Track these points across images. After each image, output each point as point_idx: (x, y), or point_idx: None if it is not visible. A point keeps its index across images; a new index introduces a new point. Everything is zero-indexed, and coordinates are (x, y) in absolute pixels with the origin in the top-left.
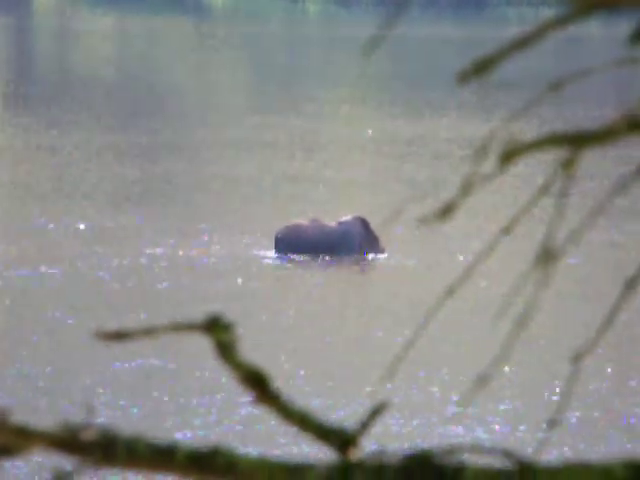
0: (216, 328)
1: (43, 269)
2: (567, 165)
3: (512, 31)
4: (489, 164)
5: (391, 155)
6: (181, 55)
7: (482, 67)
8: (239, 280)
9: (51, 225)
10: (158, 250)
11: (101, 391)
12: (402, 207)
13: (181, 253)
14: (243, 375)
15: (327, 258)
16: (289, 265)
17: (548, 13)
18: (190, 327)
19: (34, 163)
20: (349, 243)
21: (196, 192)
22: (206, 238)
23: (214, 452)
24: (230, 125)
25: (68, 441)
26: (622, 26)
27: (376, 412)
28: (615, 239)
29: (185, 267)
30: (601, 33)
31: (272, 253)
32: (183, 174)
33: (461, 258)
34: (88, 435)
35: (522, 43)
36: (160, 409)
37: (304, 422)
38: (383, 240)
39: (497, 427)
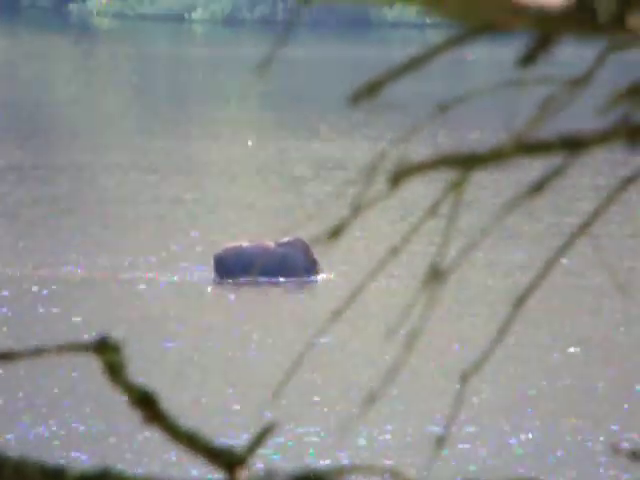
0: (105, 349)
1: None
2: (457, 186)
3: (397, 52)
4: (379, 185)
5: (280, 176)
6: (66, 75)
7: (374, 88)
8: (175, 304)
9: None
10: (79, 270)
11: None
12: (300, 226)
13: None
14: (132, 396)
15: (267, 280)
16: (227, 287)
17: (434, 35)
18: (78, 348)
19: None
20: (291, 265)
21: (97, 215)
22: (129, 261)
23: (103, 474)
24: (116, 147)
25: None
26: (504, 50)
27: (265, 432)
28: (501, 261)
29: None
30: (484, 56)
31: (210, 276)
32: (76, 196)
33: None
34: None
35: (413, 64)
36: (52, 432)
37: (192, 442)
38: (320, 261)
39: (387, 446)
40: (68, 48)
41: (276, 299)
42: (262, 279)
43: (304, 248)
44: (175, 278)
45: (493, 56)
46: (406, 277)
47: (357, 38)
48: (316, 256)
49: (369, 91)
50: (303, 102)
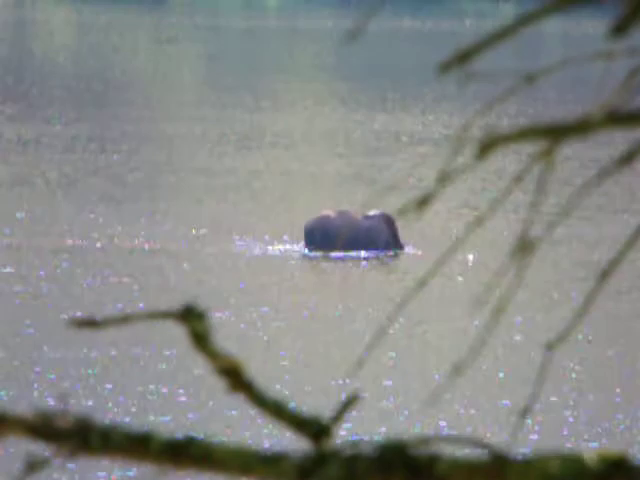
0: (191, 317)
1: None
2: (545, 156)
3: (470, 25)
4: (466, 155)
5: (360, 148)
6: (139, 47)
7: (465, 57)
8: (266, 274)
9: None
10: (180, 244)
11: (79, 379)
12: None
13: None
14: (218, 364)
15: (353, 253)
16: (315, 260)
17: (507, 8)
18: (165, 316)
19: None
20: (375, 239)
21: (179, 186)
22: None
23: (189, 442)
24: (188, 118)
25: (43, 428)
26: (573, 24)
27: (350, 402)
28: (586, 234)
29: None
30: (553, 31)
31: (299, 246)
32: (165, 166)
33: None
34: (63, 423)
35: (502, 35)
36: (143, 397)
37: (278, 411)
38: (403, 235)
39: (471, 417)
40: (140, 19)
41: (361, 272)
42: (347, 252)
43: (389, 222)
44: (260, 250)
45: (565, 31)
46: (490, 249)
47: (431, 11)
48: (399, 230)
49: (460, 60)
50: (379, 74)
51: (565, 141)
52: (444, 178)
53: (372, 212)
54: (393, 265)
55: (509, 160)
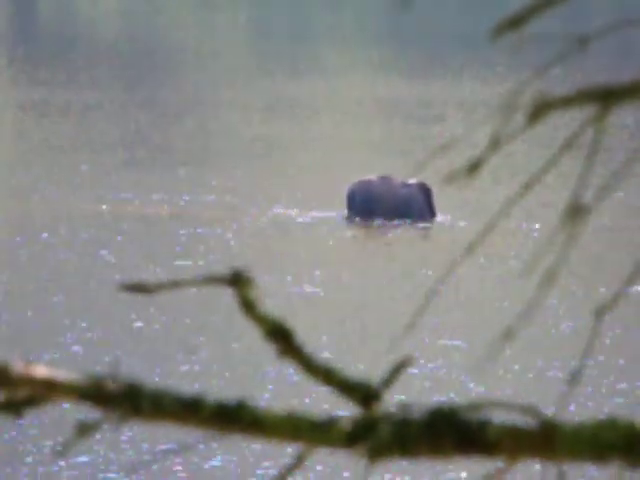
0: (239, 282)
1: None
2: (597, 121)
3: None
4: (516, 120)
5: (406, 116)
6: (183, 13)
7: (518, 21)
8: (311, 239)
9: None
10: (221, 211)
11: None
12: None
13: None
14: (267, 328)
15: (395, 221)
16: (355, 227)
17: None
18: (214, 281)
19: (51, 119)
20: (413, 207)
21: (236, 153)
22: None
23: (240, 407)
24: (236, 87)
25: (93, 393)
26: None
27: (400, 367)
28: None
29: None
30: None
31: (341, 212)
32: (216, 133)
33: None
34: (113, 387)
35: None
36: (180, 366)
37: (328, 376)
38: (438, 204)
39: (520, 383)
40: None
41: (402, 241)
42: (387, 220)
43: (425, 191)
44: (302, 217)
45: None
46: (539, 216)
47: None
48: (435, 201)
49: (513, 25)
50: (425, 39)
51: (617, 105)
52: (495, 143)
53: (410, 180)
54: (430, 233)
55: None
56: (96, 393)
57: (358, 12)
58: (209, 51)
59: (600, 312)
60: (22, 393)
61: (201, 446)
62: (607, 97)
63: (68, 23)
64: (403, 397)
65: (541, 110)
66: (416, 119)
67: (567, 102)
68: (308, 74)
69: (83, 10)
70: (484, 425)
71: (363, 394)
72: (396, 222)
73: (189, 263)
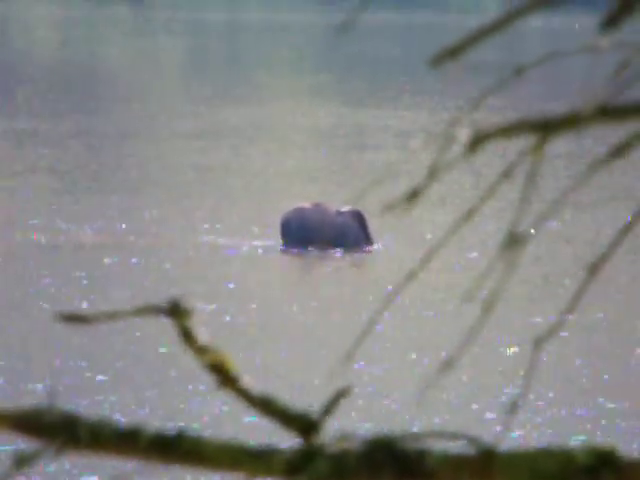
0: (177, 312)
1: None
2: (534, 151)
3: (453, 19)
4: (454, 150)
5: (342, 144)
6: (118, 40)
7: (456, 51)
8: (240, 267)
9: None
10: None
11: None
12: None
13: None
14: (205, 359)
15: (329, 250)
16: (290, 256)
17: (490, 3)
18: (152, 311)
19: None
20: (348, 236)
21: (170, 180)
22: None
23: (178, 437)
24: (173, 115)
25: (30, 423)
26: (555, 19)
27: (338, 397)
28: (570, 229)
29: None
30: (533, 26)
31: (277, 240)
32: (151, 161)
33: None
34: (51, 417)
35: (493, 29)
36: (142, 395)
37: (267, 406)
38: (373, 232)
39: (459, 413)
40: (122, 13)
41: (336, 269)
42: (321, 250)
43: (359, 218)
44: (237, 245)
45: (545, 26)
46: (476, 246)
47: (415, 3)
48: (371, 229)
49: (451, 54)
50: (363, 67)
51: (555, 136)
52: (434, 172)
53: (344, 208)
54: (366, 261)
55: (486, 157)
56: (34, 423)
57: (295, 39)
58: (145, 79)
59: (539, 342)
60: None
61: (138, 478)
62: (545, 128)
63: (2, 51)
64: (342, 427)
65: (480, 140)
66: (352, 146)
67: (506, 132)
68: (244, 101)
69: (18, 38)
70: (423, 454)
71: (302, 424)
72: (332, 250)
73: (125, 293)
